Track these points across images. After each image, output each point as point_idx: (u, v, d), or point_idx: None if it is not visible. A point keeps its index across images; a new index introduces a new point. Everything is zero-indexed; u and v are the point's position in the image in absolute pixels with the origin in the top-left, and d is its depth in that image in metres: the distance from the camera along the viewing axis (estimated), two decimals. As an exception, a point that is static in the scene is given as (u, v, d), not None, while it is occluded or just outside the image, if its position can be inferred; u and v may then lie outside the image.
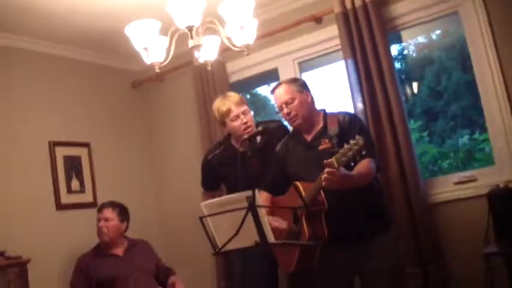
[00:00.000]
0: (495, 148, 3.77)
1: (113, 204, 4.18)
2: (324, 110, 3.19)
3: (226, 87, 4.69)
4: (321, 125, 3.11)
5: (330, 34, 4.29)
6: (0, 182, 4.02)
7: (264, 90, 5.92)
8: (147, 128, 5.37)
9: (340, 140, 2.82)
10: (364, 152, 2.55)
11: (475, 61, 3.81)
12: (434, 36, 5.20)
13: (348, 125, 3.01)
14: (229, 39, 3.23)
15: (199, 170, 3.92)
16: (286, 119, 3.17)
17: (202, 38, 3.12)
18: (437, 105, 5.39)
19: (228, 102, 3.57)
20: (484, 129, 4.24)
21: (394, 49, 5.08)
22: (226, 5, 3.02)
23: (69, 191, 4.51)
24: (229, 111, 3.54)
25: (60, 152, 4.49)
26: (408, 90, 5.19)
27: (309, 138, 3.12)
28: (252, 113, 3.67)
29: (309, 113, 3.10)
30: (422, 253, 3.75)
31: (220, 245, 2.60)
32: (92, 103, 4.89)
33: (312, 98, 3.16)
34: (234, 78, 4.88)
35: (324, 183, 2.59)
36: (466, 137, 5.12)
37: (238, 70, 4.84)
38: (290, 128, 3.38)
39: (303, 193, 2.80)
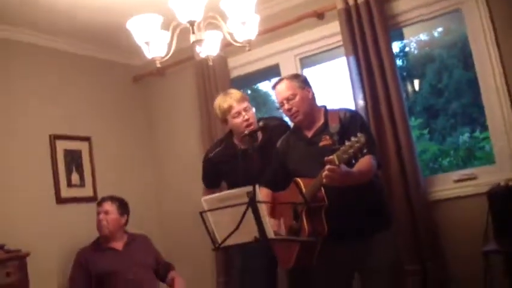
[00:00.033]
0: (496, 146, 3.77)
1: (112, 198, 4.19)
2: (324, 107, 3.19)
3: (227, 83, 4.69)
4: (321, 121, 3.11)
5: (332, 30, 4.28)
6: (0, 175, 4.02)
7: (265, 86, 5.92)
8: (148, 123, 5.36)
9: (341, 137, 2.82)
10: (365, 150, 2.55)
11: (477, 59, 3.80)
12: (436, 34, 5.20)
13: (349, 121, 3.01)
14: (231, 34, 3.22)
15: (200, 165, 3.92)
16: (287, 115, 3.17)
17: (204, 33, 3.11)
18: (438, 103, 5.39)
19: (229, 99, 3.56)
20: (484, 128, 4.25)
21: (396, 46, 5.08)
22: (228, 0, 3.02)
23: (69, 184, 4.50)
24: (230, 108, 3.54)
25: (61, 146, 4.49)
26: (409, 88, 5.19)
27: (309, 134, 3.12)
28: (254, 109, 3.66)
29: (309, 109, 3.10)
30: (421, 250, 3.75)
31: (220, 240, 2.60)
32: (93, 97, 4.88)
33: (313, 94, 3.16)
34: (235, 73, 4.87)
35: (324, 180, 2.59)
36: (467, 135, 5.12)
37: (240, 65, 4.83)
38: (291, 125, 3.37)
39: (304, 189, 2.81)
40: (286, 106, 3.08)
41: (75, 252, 4.08)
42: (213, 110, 3.91)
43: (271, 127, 3.54)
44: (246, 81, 5.15)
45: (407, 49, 5.52)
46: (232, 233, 2.50)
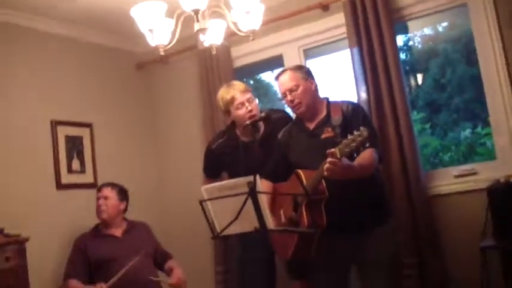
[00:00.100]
0: (497, 142, 3.77)
1: (112, 184, 4.20)
2: (327, 99, 3.19)
3: (230, 72, 4.68)
4: (323, 113, 3.10)
5: (337, 22, 4.27)
6: (1, 160, 4.02)
7: (267, 77, 5.91)
8: (150, 111, 5.36)
9: (343, 130, 2.82)
10: (367, 144, 2.55)
11: (481, 54, 3.79)
12: (440, 29, 5.19)
13: (352, 114, 3.01)
14: (235, 23, 3.21)
15: (201, 154, 3.92)
16: (289, 106, 3.16)
17: (208, 22, 3.10)
18: (441, 98, 5.39)
19: (232, 91, 3.56)
20: (486, 123, 4.24)
21: (400, 40, 5.07)
22: (233, -11, 3.01)
23: (70, 170, 4.50)
24: (233, 99, 3.53)
25: (62, 132, 4.48)
26: (412, 82, 5.18)
27: (311, 126, 3.12)
28: (257, 100, 3.65)
29: (312, 101, 3.09)
30: (420, 244, 3.77)
31: (219, 229, 2.61)
32: (95, 83, 4.87)
33: (316, 86, 3.15)
34: (238, 63, 4.85)
35: (325, 172, 2.59)
36: (468, 130, 5.12)
37: (243, 55, 4.82)
38: (294, 117, 3.37)
39: (305, 181, 2.81)
40: (289, 97, 3.07)
41: (74, 238, 4.09)
42: (215, 99, 3.90)
43: (274, 119, 3.54)
44: (249, 71, 5.15)
45: (411, 43, 5.51)
46: (232, 222, 2.51)
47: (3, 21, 4.18)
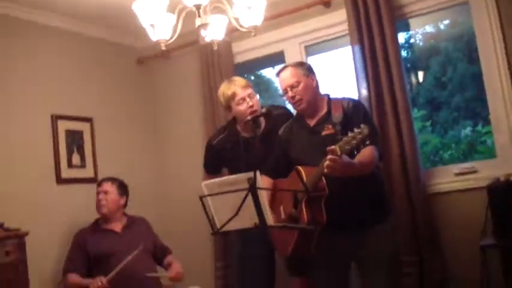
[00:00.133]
0: (497, 141, 3.77)
1: (112, 179, 4.21)
2: (328, 95, 3.19)
3: (231, 68, 4.68)
4: (324, 110, 3.10)
5: (338, 19, 4.26)
6: (1, 154, 4.01)
7: (268, 73, 5.89)
8: (151, 106, 5.35)
9: (344, 127, 2.81)
10: (368, 142, 2.55)
11: (482, 53, 3.79)
12: (442, 26, 5.18)
13: (352, 111, 3.01)
14: (236, 19, 3.20)
15: (201, 150, 3.92)
16: (290, 103, 3.16)
17: (209, 17, 3.09)
18: (442, 96, 5.38)
19: (233, 86, 3.56)
20: (487, 122, 4.24)
21: (401, 37, 5.06)
22: (235, -16, 3.01)
23: (70, 165, 4.49)
24: (234, 94, 3.54)
25: (63, 126, 4.47)
26: (413, 79, 5.18)
27: (312, 123, 3.11)
28: (258, 96, 3.65)
29: (313, 97, 3.09)
30: (419, 242, 3.77)
31: (219, 225, 2.61)
32: (96, 78, 4.87)
33: (317, 82, 3.15)
34: (239, 59, 4.85)
35: (326, 169, 2.59)
36: (469, 128, 5.11)
37: (244, 51, 4.81)
38: (295, 113, 3.37)
39: (305, 178, 2.81)
40: (290, 93, 3.07)
41: (74, 233, 4.09)
42: (216, 95, 3.90)
43: (275, 115, 3.54)
44: (250, 67, 5.14)
45: (412, 40, 5.50)
46: (231, 218, 2.51)
47: (3, 14, 4.15)
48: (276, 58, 4.76)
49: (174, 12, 3.10)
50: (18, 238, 3.56)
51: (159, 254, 4.20)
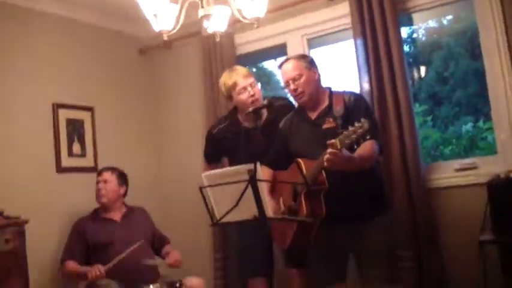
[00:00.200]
0: (498, 137, 3.76)
1: (112, 169, 4.21)
2: (329, 88, 3.19)
3: (233, 59, 4.67)
4: (326, 103, 3.10)
5: (341, 12, 4.25)
6: (1, 142, 4.02)
7: (270, 65, 5.89)
8: (152, 96, 5.35)
9: (345, 121, 2.81)
10: (368, 136, 2.55)
11: (485, 48, 3.78)
12: (445, 22, 5.16)
13: (354, 105, 3.01)
14: (239, 10, 3.19)
15: (201, 141, 3.92)
16: (292, 95, 3.16)
17: (212, 8, 3.08)
18: (443, 91, 5.38)
19: (234, 76, 3.56)
20: (488, 118, 4.24)
21: (404, 32, 5.05)
22: (238, -25, 2.99)
23: (70, 154, 4.50)
24: (235, 84, 3.53)
25: (63, 115, 4.48)
26: (415, 74, 5.17)
27: (313, 116, 3.11)
28: (260, 85, 3.64)
29: (315, 90, 3.09)
30: (418, 237, 3.77)
31: (218, 217, 2.61)
32: (97, 67, 4.86)
33: (319, 75, 3.15)
34: (241, 50, 4.84)
35: (325, 163, 2.59)
36: (470, 124, 5.11)
37: (246, 43, 4.80)
38: (296, 105, 3.37)
39: (305, 171, 2.81)
40: (292, 86, 3.07)
41: (73, 222, 4.10)
42: (217, 86, 3.89)
43: (277, 107, 3.53)
44: (252, 59, 5.13)
45: (415, 35, 5.48)
46: (231, 209, 2.51)
47: (1, 2, 4.12)
48: (278, 50, 4.75)
49: (177, 3, 3.09)
50: (18, 226, 3.57)
51: (157, 243, 4.21)
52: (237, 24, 3.95)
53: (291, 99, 3.52)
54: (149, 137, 5.28)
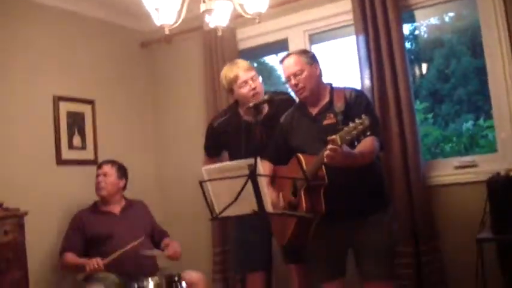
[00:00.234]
0: (499, 135, 3.77)
1: (112, 162, 4.22)
2: (330, 84, 3.19)
3: (234, 54, 4.66)
4: (327, 99, 3.10)
5: (343, 8, 4.25)
6: (2, 134, 4.02)
7: (271, 60, 5.87)
8: (153, 90, 5.35)
9: (346, 117, 2.81)
10: (368, 133, 2.55)
11: (487, 47, 3.78)
12: (447, 19, 5.15)
13: (354, 101, 3.01)
14: (241, 5, 3.19)
15: (202, 135, 3.92)
16: (293, 90, 3.16)
17: (214, 3, 3.09)
18: (444, 88, 5.36)
19: (235, 69, 3.55)
20: (488, 116, 4.23)
21: (406, 29, 5.03)
22: (240, -30, 2.99)
23: (71, 146, 4.50)
24: (236, 77, 3.52)
25: (64, 107, 4.48)
26: (416, 71, 5.15)
27: (314, 111, 3.11)
28: (261, 78, 3.63)
29: (316, 86, 3.09)
30: (417, 233, 3.78)
31: (218, 211, 2.61)
32: (99, 60, 4.86)
33: (321, 71, 3.14)
34: (243, 45, 4.84)
35: (325, 159, 2.59)
36: (470, 122, 5.10)
37: (248, 38, 4.80)
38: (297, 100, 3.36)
39: (305, 166, 2.81)
40: (293, 81, 3.07)
41: (72, 214, 4.11)
42: (218, 81, 3.89)
43: (278, 101, 3.52)
44: (254, 54, 5.12)
45: (417, 32, 5.47)
46: (230, 204, 2.52)
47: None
48: (280, 46, 4.74)
49: (179, -3, 3.09)
50: (18, 218, 3.58)
51: (157, 237, 4.22)
52: (238, 19, 3.94)
53: (292, 94, 3.52)
54: (149, 131, 5.28)
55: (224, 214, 2.59)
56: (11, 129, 4.07)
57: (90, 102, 4.70)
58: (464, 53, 5.22)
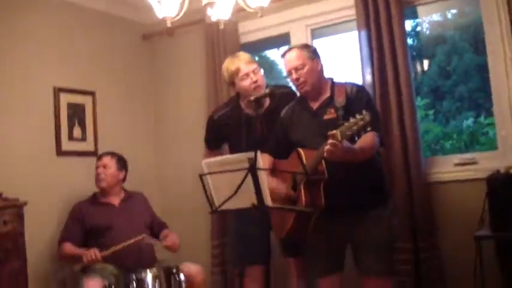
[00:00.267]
0: (499, 133, 3.76)
1: (112, 153, 4.22)
2: (331, 79, 3.18)
3: (236, 48, 4.65)
4: (327, 94, 3.10)
5: (346, 3, 4.24)
6: (2, 125, 4.01)
7: (273, 54, 5.86)
8: (154, 82, 5.34)
9: (346, 112, 2.82)
10: (369, 128, 2.55)
11: (489, 44, 3.77)
12: (449, 16, 5.14)
13: (355, 96, 3.01)
14: (243, -1, 3.19)
15: (202, 127, 3.91)
16: (294, 84, 3.16)
17: (216, -4, 3.08)
18: (445, 85, 5.36)
19: (237, 62, 3.54)
20: (489, 113, 4.23)
21: (408, 25, 5.02)
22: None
23: (71, 138, 4.50)
24: (238, 70, 3.51)
25: (65, 99, 4.47)
26: (418, 67, 5.15)
27: (314, 106, 3.11)
28: (263, 71, 3.62)
29: (317, 80, 3.09)
30: (416, 230, 3.78)
31: (218, 204, 2.61)
32: (100, 52, 4.85)
33: (322, 66, 3.14)
34: (244, 39, 4.83)
35: (326, 154, 2.59)
36: (471, 119, 5.10)
37: (250, 31, 4.79)
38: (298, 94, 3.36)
39: (305, 161, 2.81)
40: (294, 75, 3.06)
41: (72, 205, 4.11)
42: (220, 74, 3.88)
43: (279, 95, 3.51)
44: (255, 48, 5.11)
45: (419, 28, 5.46)
46: (230, 197, 2.52)
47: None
48: (282, 40, 4.74)
49: (181, -11, 3.08)
50: (17, 208, 3.58)
51: (156, 229, 4.22)
52: (240, 13, 3.93)
53: (293, 88, 3.51)
54: (150, 123, 5.28)
55: (224, 207, 2.59)
56: (11, 121, 4.07)
57: (91, 93, 4.70)
58: (466, 50, 5.21)
